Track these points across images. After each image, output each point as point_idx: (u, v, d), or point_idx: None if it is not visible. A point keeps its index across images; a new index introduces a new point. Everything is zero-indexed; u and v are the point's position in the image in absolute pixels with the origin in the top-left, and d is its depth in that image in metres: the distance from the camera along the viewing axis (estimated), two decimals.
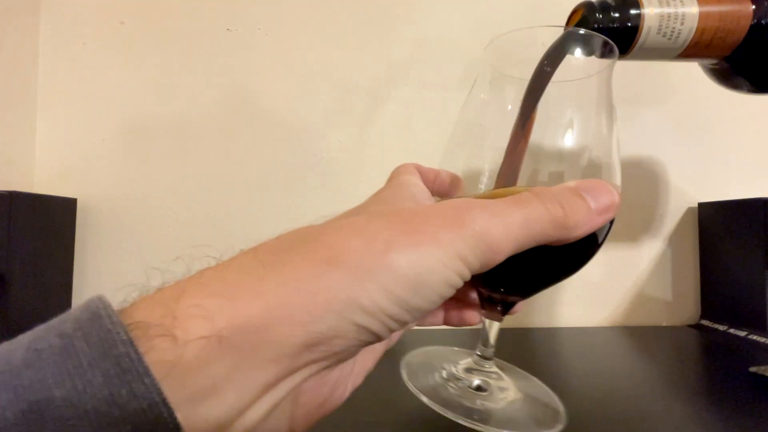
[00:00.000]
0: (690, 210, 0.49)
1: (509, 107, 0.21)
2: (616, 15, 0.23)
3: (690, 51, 0.24)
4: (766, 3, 0.23)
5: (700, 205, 0.48)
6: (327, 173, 0.46)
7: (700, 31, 0.23)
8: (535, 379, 0.26)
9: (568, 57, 0.21)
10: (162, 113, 0.46)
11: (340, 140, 0.46)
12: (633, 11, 0.23)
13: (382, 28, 0.47)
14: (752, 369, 0.30)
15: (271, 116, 0.46)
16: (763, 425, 0.23)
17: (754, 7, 0.23)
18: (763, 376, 0.29)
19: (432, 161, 0.49)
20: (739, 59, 0.25)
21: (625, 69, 0.48)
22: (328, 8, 0.47)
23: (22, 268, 0.36)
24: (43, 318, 0.37)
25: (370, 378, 0.23)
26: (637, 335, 0.42)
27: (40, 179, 0.45)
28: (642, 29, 0.23)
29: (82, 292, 0.44)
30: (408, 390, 0.22)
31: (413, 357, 0.26)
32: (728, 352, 0.36)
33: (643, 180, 0.49)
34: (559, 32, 0.21)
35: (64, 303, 0.42)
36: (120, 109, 0.45)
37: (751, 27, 0.23)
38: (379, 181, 0.50)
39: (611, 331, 0.45)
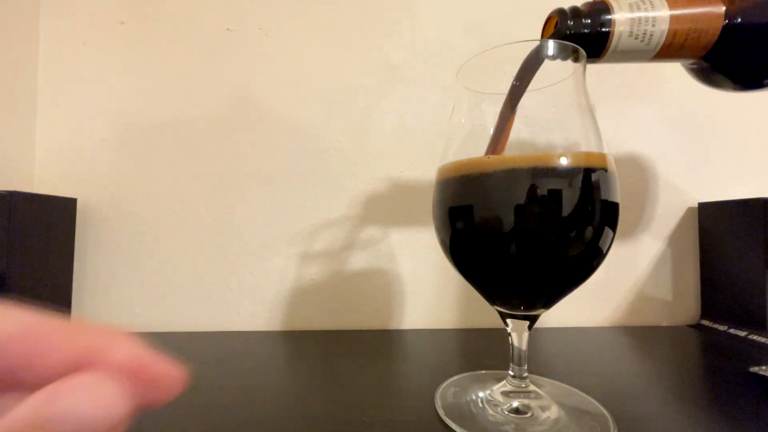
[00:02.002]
0: (690, 210, 0.49)
1: (490, 130, 0.22)
2: (588, 21, 0.24)
3: (665, 52, 0.25)
4: (737, 3, 0.23)
5: (700, 205, 0.48)
6: (327, 172, 0.46)
7: (672, 33, 0.24)
8: (575, 389, 0.26)
9: (542, 65, 0.23)
10: (162, 113, 0.46)
11: (340, 139, 0.46)
12: (604, 17, 0.24)
13: (381, 27, 0.47)
14: (752, 369, 0.30)
15: (271, 116, 0.46)
16: (763, 425, 0.23)
17: (725, 8, 0.24)
18: (763, 376, 0.29)
19: (430, 160, 0.49)
20: (716, 58, 0.25)
21: (625, 69, 0.48)
22: (328, 8, 0.47)
23: (22, 268, 0.36)
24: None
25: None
26: (637, 335, 0.42)
27: (40, 179, 0.45)
28: (614, 33, 0.24)
29: (82, 292, 0.44)
30: (447, 426, 0.22)
31: (447, 388, 0.26)
32: (728, 352, 0.36)
33: (644, 180, 0.49)
34: (523, 47, 0.22)
35: (64, 303, 0.42)
36: (120, 109, 0.45)
37: (724, 27, 0.24)
38: (379, 181, 0.50)
39: (611, 331, 0.45)
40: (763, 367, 0.30)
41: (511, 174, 0.20)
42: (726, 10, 0.23)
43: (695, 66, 0.27)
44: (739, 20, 0.23)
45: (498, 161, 0.21)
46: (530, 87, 0.22)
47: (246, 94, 0.46)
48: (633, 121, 0.49)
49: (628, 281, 0.48)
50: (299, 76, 0.47)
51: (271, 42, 0.47)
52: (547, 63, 0.23)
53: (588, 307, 0.47)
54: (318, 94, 0.47)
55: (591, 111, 0.22)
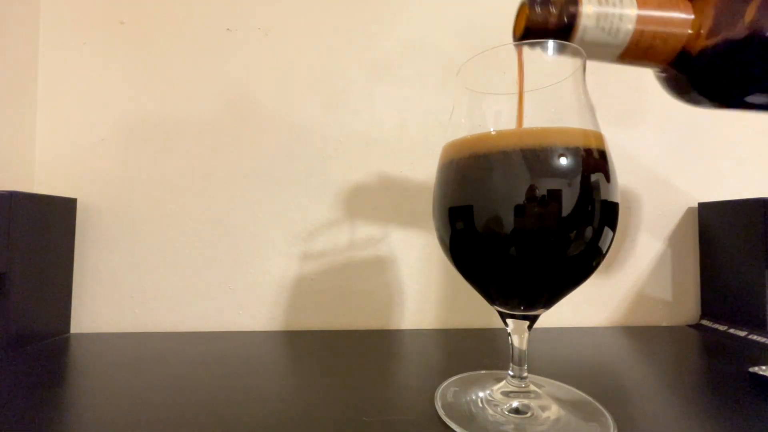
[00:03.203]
0: (690, 210, 0.49)
1: (491, 129, 0.22)
2: (553, 10, 0.24)
3: (632, 51, 0.25)
4: (706, 12, 0.24)
5: (700, 205, 0.48)
6: (327, 173, 0.46)
7: (639, 32, 0.24)
8: (575, 389, 0.26)
9: (541, 65, 0.23)
10: (162, 113, 0.46)
11: (340, 140, 0.46)
12: (570, 8, 0.24)
13: (381, 27, 0.47)
14: (752, 369, 0.30)
15: (271, 116, 0.46)
16: (763, 425, 0.23)
17: (693, 16, 0.24)
18: (763, 376, 0.29)
19: (430, 160, 0.49)
20: (684, 67, 0.25)
21: (625, 68, 0.48)
22: (328, 8, 0.47)
23: (22, 268, 0.36)
24: (43, 318, 0.38)
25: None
26: (637, 335, 0.42)
27: (40, 179, 0.45)
28: (579, 25, 0.24)
29: (82, 292, 0.44)
30: (447, 426, 0.22)
31: (446, 388, 0.26)
32: (728, 352, 0.36)
33: (643, 180, 0.49)
34: (522, 48, 0.23)
35: (64, 303, 0.42)
36: (120, 108, 0.45)
37: (692, 36, 0.24)
38: (379, 181, 0.50)
39: (611, 331, 0.45)
40: (763, 367, 0.30)
41: (509, 153, 0.20)
42: (695, 18, 0.24)
43: (664, 74, 0.27)
44: (709, 32, 0.23)
45: (499, 136, 0.21)
46: (530, 87, 0.22)
47: (246, 94, 0.46)
48: (633, 120, 0.49)
49: (628, 281, 0.48)
50: (299, 76, 0.47)
51: (271, 42, 0.47)
52: (546, 62, 0.23)
53: (588, 307, 0.47)
54: (318, 94, 0.47)
55: (592, 110, 0.22)
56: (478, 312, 0.46)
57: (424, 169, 0.47)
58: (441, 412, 0.23)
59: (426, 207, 0.46)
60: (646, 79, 0.48)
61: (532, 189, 0.19)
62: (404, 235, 0.46)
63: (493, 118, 0.23)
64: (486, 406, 0.23)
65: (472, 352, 0.36)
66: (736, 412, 0.24)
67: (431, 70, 0.47)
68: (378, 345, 0.39)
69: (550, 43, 0.23)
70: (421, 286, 0.46)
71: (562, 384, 0.27)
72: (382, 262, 0.46)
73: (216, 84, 0.46)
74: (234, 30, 0.46)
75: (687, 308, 0.48)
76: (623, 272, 0.48)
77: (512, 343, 0.24)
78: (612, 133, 0.48)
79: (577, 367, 0.32)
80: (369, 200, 0.46)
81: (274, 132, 0.46)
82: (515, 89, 0.23)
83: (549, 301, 0.23)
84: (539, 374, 0.29)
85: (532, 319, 0.23)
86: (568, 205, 0.19)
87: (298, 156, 0.46)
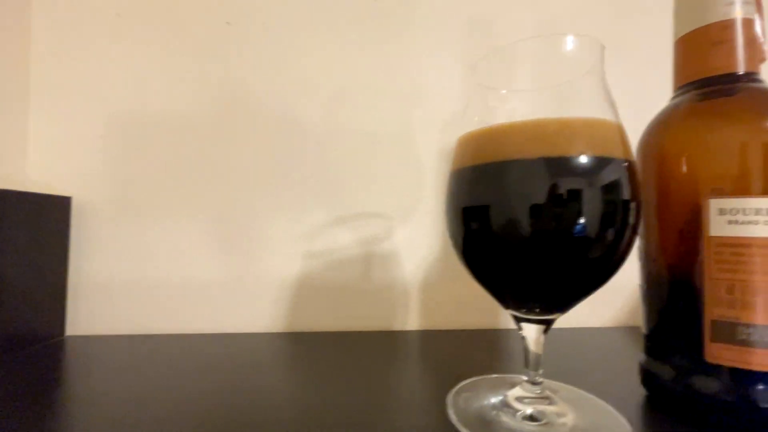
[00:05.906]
0: None
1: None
2: None
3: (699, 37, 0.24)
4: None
5: None
6: (329, 171, 0.45)
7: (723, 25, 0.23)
8: (590, 395, 0.25)
9: (559, 60, 0.22)
10: (159, 109, 0.44)
11: (343, 137, 0.46)
12: None
13: (383, 23, 0.46)
14: None
15: (272, 113, 0.45)
16: None
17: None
18: None
19: (434, 158, 0.49)
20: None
21: (627, 68, 0.48)
22: (329, 4, 0.46)
23: (15, 269, 0.35)
24: (37, 320, 0.37)
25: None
26: (641, 335, 0.42)
27: (33, 177, 0.43)
28: None
29: (77, 292, 0.43)
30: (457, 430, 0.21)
31: (458, 393, 0.26)
32: None
33: None
34: (538, 43, 0.22)
35: (59, 305, 0.41)
36: (116, 104, 0.44)
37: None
38: (382, 180, 0.49)
39: (616, 331, 0.44)
40: None
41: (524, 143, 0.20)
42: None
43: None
44: None
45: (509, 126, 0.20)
46: (548, 83, 0.22)
47: (246, 90, 0.45)
48: (636, 120, 0.48)
49: (632, 281, 0.48)
50: (300, 72, 0.46)
51: (272, 37, 0.46)
52: (565, 58, 0.22)
53: (593, 307, 0.47)
54: (320, 90, 0.46)
55: (612, 104, 0.21)
56: (486, 312, 0.46)
57: (429, 167, 0.46)
58: (453, 419, 0.22)
59: (431, 205, 0.46)
60: (648, 77, 0.48)
61: (553, 186, 0.19)
62: (409, 234, 0.46)
63: (507, 114, 0.22)
64: (500, 412, 0.23)
65: (480, 355, 0.36)
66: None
67: (437, 69, 0.46)
68: (383, 347, 0.38)
69: (568, 37, 0.22)
70: (427, 286, 0.46)
71: (576, 389, 0.27)
72: (386, 261, 0.45)
73: (215, 79, 0.45)
74: (233, 24, 0.45)
75: None
76: (628, 272, 0.48)
77: (527, 348, 0.23)
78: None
79: (590, 369, 0.32)
80: (372, 198, 0.45)
81: (274, 129, 0.45)
82: (529, 86, 0.22)
83: (567, 305, 0.22)
84: (549, 377, 0.28)
85: (548, 323, 0.22)
86: (590, 203, 0.19)
87: (299, 154, 0.45)
